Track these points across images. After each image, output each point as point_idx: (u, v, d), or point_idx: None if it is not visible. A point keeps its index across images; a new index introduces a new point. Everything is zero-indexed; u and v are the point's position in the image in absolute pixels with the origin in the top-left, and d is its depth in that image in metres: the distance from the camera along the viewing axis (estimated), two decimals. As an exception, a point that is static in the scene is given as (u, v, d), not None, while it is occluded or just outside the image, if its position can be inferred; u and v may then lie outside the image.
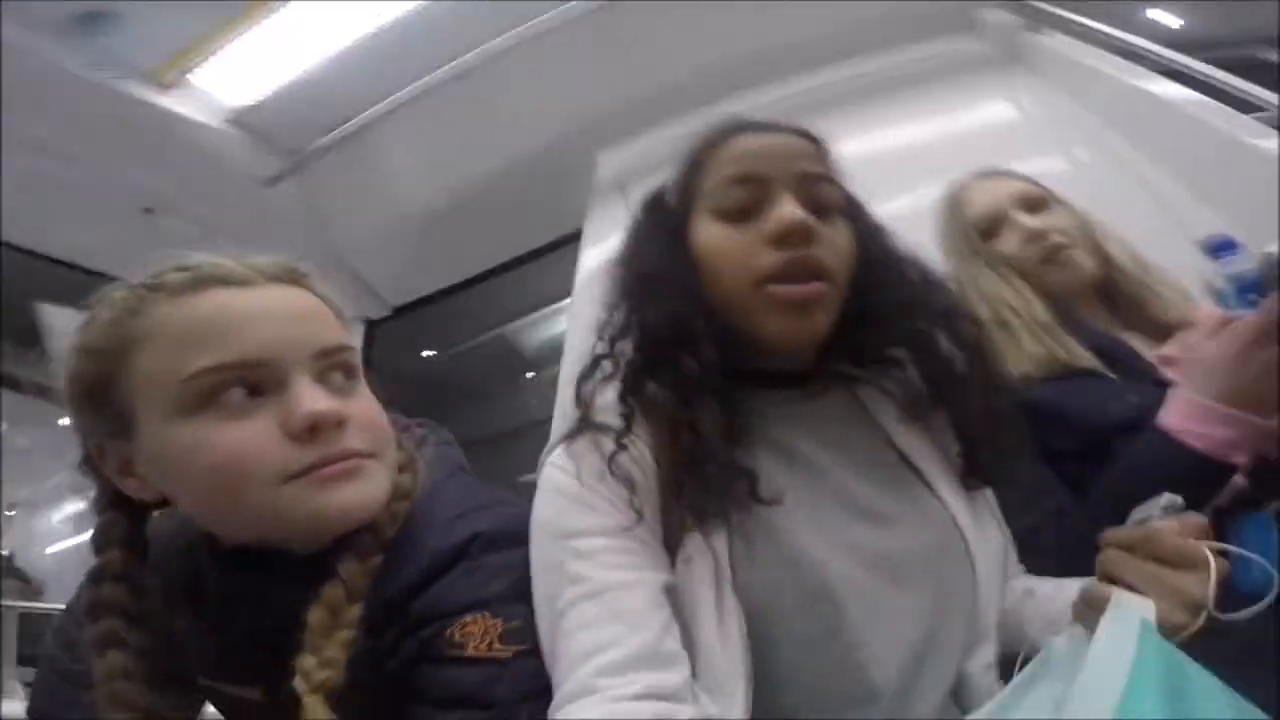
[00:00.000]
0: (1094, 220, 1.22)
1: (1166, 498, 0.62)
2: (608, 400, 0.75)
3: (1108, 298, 1.17)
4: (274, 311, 0.67)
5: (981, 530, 0.73)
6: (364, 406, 0.70)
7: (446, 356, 3.23)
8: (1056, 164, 1.72)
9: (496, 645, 0.64)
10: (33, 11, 1.75)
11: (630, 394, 0.74)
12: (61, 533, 4.45)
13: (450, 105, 2.13)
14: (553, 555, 0.66)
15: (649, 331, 0.75)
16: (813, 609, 0.66)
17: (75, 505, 4.36)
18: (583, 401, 0.76)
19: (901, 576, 0.68)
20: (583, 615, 0.62)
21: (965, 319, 0.81)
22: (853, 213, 0.81)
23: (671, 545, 0.67)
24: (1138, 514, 0.62)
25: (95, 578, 0.71)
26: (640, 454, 0.71)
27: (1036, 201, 1.19)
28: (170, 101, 2.06)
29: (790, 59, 2.12)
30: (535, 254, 2.76)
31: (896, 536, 0.70)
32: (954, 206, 1.26)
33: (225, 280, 0.66)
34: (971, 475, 0.75)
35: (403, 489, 0.73)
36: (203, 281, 0.65)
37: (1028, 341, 1.07)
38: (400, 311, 2.88)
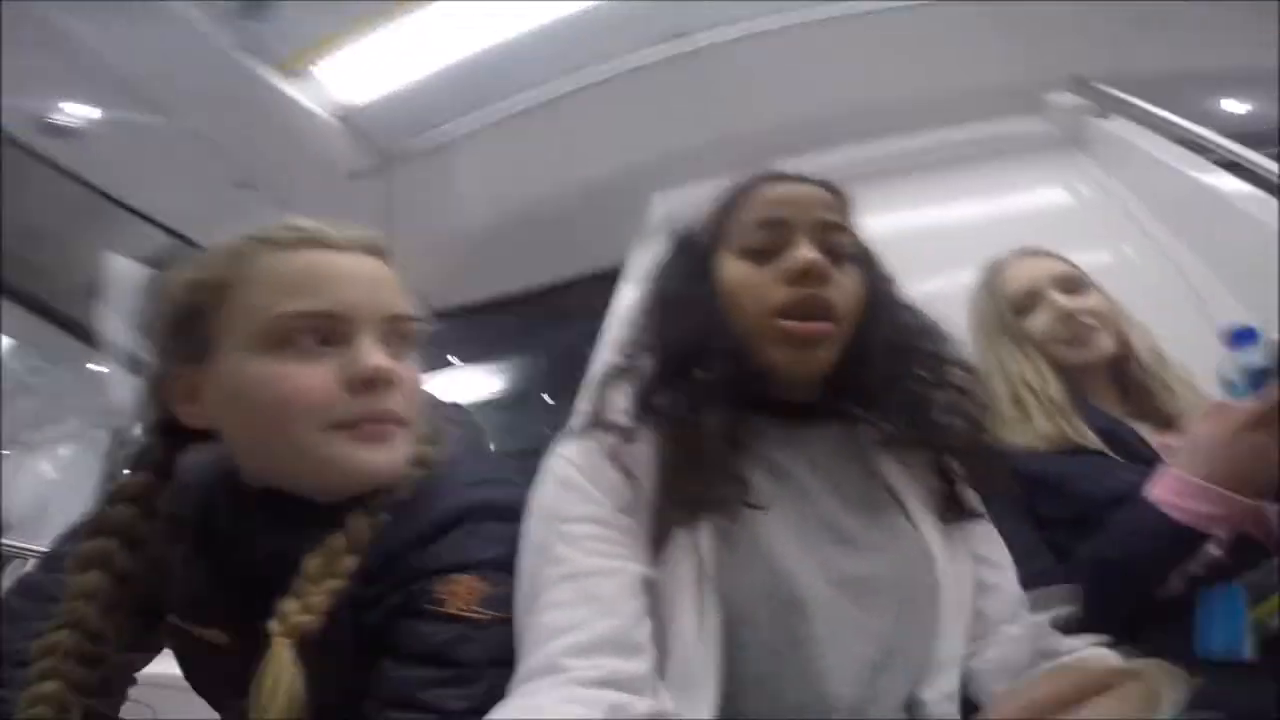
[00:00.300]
0: (1122, 308, 1.25)
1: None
2: (620, 405, 0.82)
3: (1120, 383, 1.22)
4: (356, 274, 0.73)
5: (955, 565, 0.77)
6: (411, 373, 0.76)
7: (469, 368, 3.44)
8: (1103, 256, 1.67)
9: (476, 607, 0.68)
10: None
11: (642, 397, 0.80)
12: (47, 477, 4.54)
13: (524, 131, 2.32)
14: (541, 536, 0.71)
15: (669, 346, 0.82)
16: (782, 618, 0.70)
17: (67, 450, 4.52)
18: (597, 402, 0.82)
19: (866, 597, 0.72)
20: (558, 595, 0.66)
21: (956, 367, 0.87)
22: (865, 262, 0.88)
23: (659, 544, 0.72)
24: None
25: (112, 497, 0.77)
26: (644, 453, 0.76)
27: (1073, 283, 1.24)
28: (290, 88, 2.29)
29: (856, 125, 2.14)
30: (574, 283, 2.86)
31: (867, 561, 0.74)
32: (992, 281, 1.32)
33: (323, 242, 0.74)
34: (949, 510, 0.81)
35: (425, 457, 0.78)
36: (305, 241, 0.74)
37: (1039, 419, 1.14)
38: (439, 316, 3.02)
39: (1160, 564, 0.92)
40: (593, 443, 0.77)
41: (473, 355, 3.39)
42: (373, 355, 0.70)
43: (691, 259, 0.89)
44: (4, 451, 4.36)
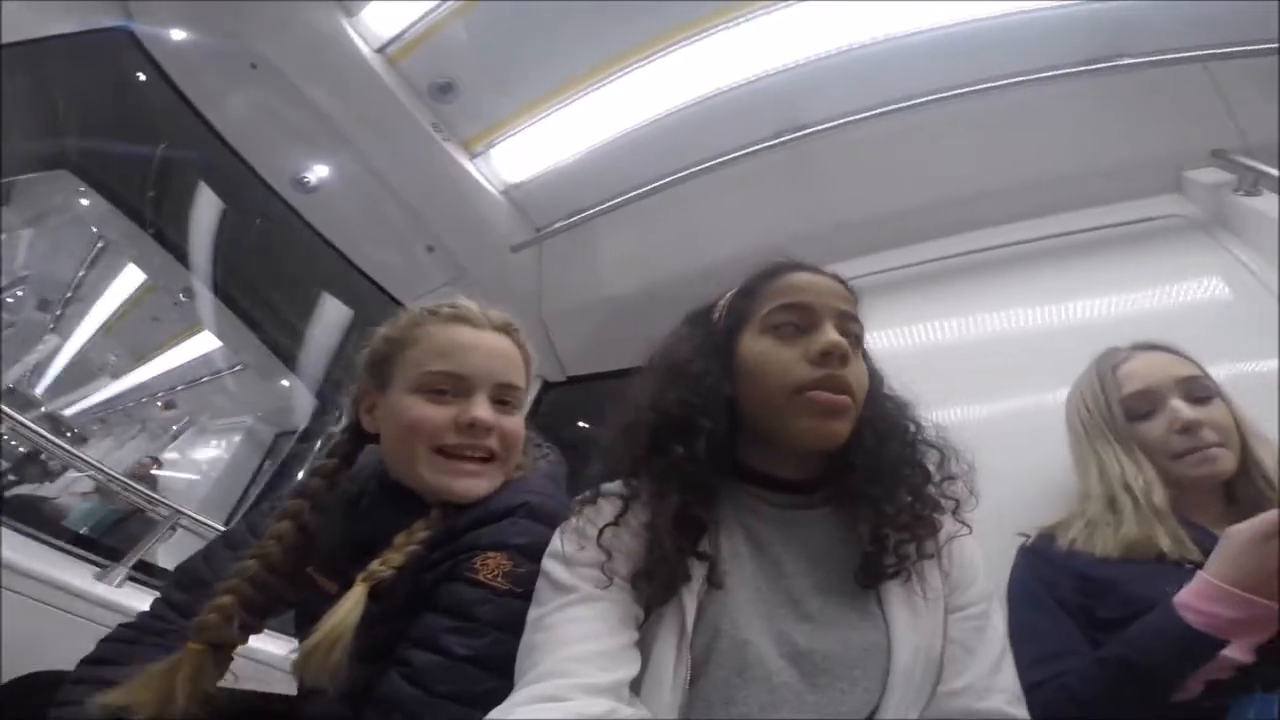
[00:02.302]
0: (1247, 418, 1.18)
1: None
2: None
3: (1231, 496, 1.16)
4: (484, 349, 1.04)
5: (915, 645, 0.80)
6: (512, 424, 1.04)
7: (595, 431, 3.54)
8: (1263, 365, 1.46)
9: (500, 579, 0.89)
10: (411, 72, 2.44)
11: (631, 475, 0.92)
12: (207, 466, 5.17)
13: (660, 211, 2.50)
14: (559, 573, 0.83)
15: (660, 412, 0.91)
16: (726, 679, 0.78)
17: (236, 448, 5.19)
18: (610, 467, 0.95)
19: (813, 672, 0.78)
20: (574, 612, 0.79)
21: (935, 451, 0.93)
22: (865, 355, 0.97)
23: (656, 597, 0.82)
24: None
25: (313, 472, 1.09)
26: (639, 522, 0.87)
27: (1197, 388, 1.18)
28: (471, 166, 2.69)
29: (983, 211, 2.12)
30: None
31: (823, 639, 0.80)
32: (1104, 375, 1.27)
33: (469, 321, 1.06)
34: (864, 571, 0.85)
35: (509, 476, 1.05)
36: (457, 319, 1.06)
37: (1130, 525, 1.10)
38: (572, 380, 3.28)
39: (1174, 667, 0.91)
40: (607, 507, 0.89)
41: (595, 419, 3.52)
42: (478, 408, 1.00)
43: (705, 334, 0.98)
44: (177, 429, 5.19)
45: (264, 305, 4.27)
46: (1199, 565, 0.99)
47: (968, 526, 0.91)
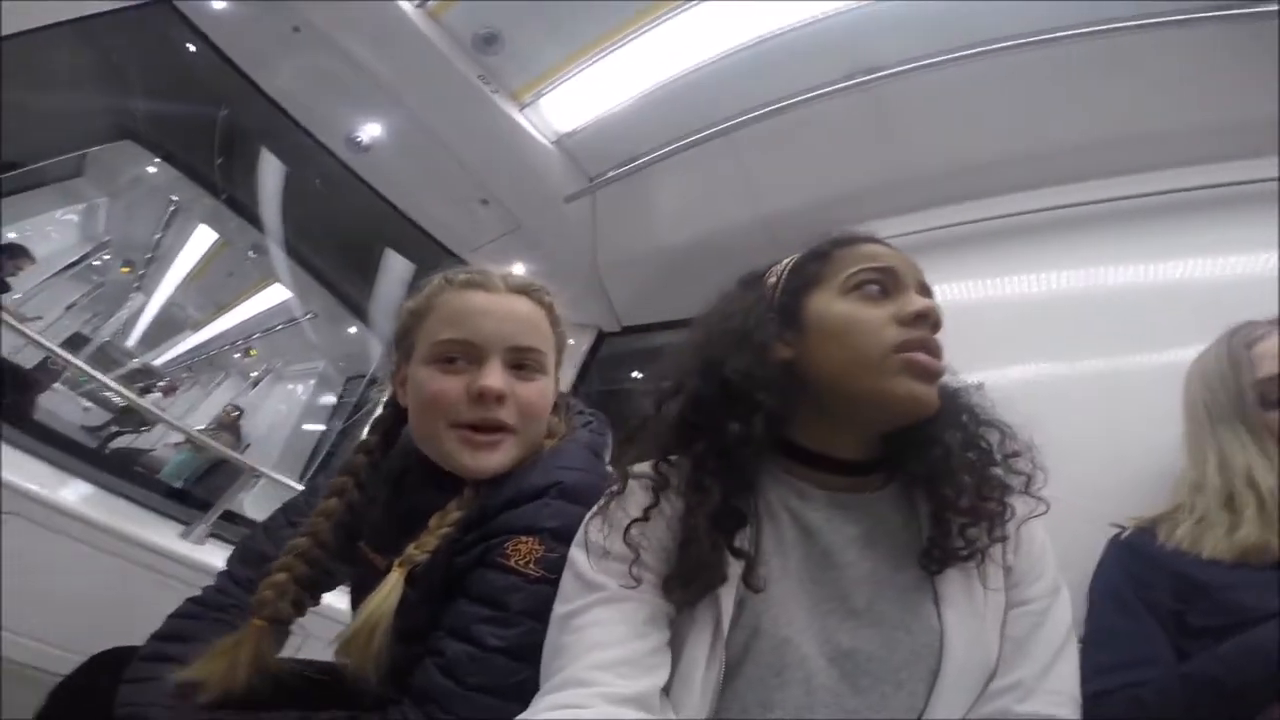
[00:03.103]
0: None
1: None
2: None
3: None
4: (496, 313, 0.99)
5: (969, 648, 0.75)
6: (531, 391, 0.99)
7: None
8: None
9: (532, 566, 0.85)
10: (453, 25, 2.39)
11: (665, 458, 0.85)
12: (285, 411, 5.43)
13: (715, 161, 2.41)
14: (584, 564, 0.79)
15: (711, 384, 0.84)
16: (763, 679, 0.74)
17: (310, 393, 5.40)
18: (644, 447, 0.88)
19: (856, 673, 0.73)
20: (600, 614, 0.74)
21: (1002, 433, 0.86)
22: None
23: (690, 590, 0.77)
24: None
25: (357, 449, 1.09)
26: (673, 511, 0.82)
27: None
28: (521, 118, 2.63)
29: (1070, 165, 1.95)
30: None
31: (869, 639, 0.75)
32: (1236, 356, 1.15)
33: (483, 286, 1.01)
34: (929, 556, 0.79)
35: (539, 447, 1.01)
36: (471, 284, 1.02)
37: (1250, 526, 1.02)
38: (627, 330, 3.30)
39: (1266, 691, 0.86)
40: (639, 495, 0.83)
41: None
42: (490, 376, 0.95)
43: (763, 299, 0.90)
44: (256, 375, 5.48)
45: (329, 259, 4.39)
46: None
47: (1044, 503, 0.83)
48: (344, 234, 4.08)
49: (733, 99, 2.28)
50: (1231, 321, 1.20)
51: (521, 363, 0.99)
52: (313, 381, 5.26)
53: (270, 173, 3.76)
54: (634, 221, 2.89)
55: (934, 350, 0.81)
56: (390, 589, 0.87)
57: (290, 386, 5.56)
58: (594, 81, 2.45)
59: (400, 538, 0.94)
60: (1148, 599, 1.03)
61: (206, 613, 1.03)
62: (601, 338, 3.34)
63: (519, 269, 3.42)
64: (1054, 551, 0.85)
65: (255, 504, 2.94)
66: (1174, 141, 1.82)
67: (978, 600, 0.77)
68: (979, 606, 0.77)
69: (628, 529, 0.79)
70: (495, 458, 0.95)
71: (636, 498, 0.82)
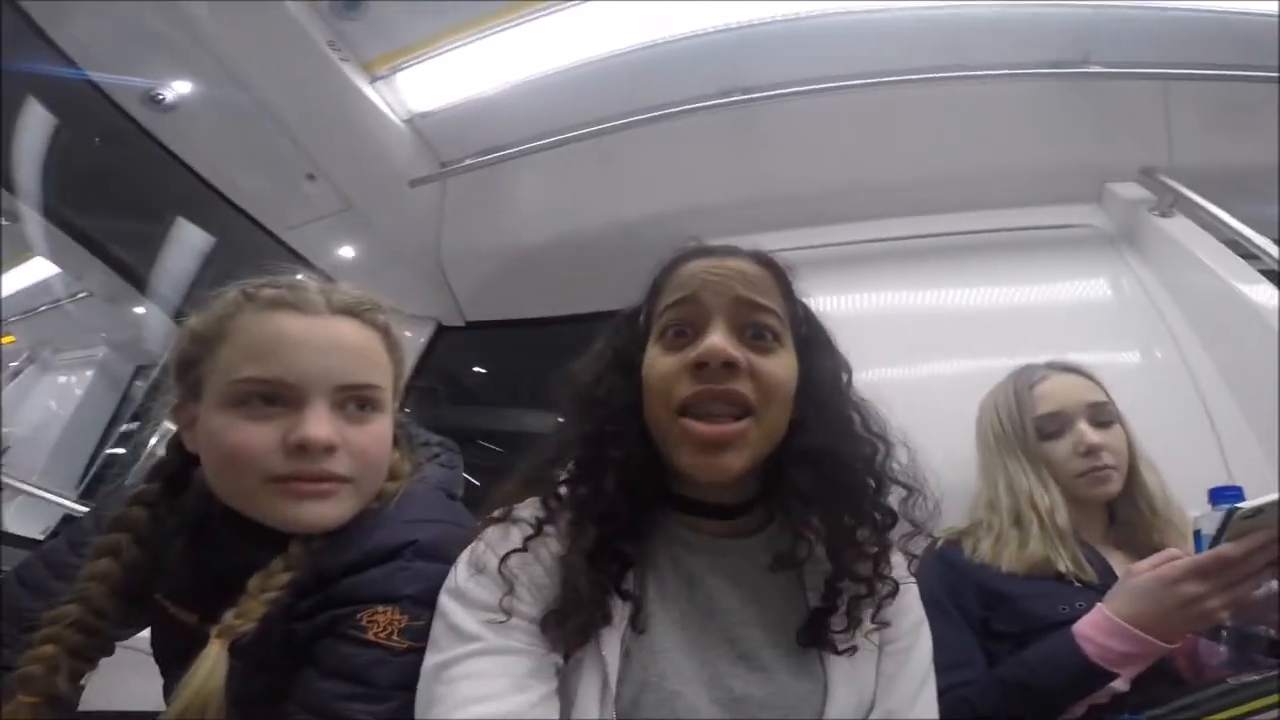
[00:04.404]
0: (1137, 443, 1.27)
1: None
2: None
3: (1112, 515, 1.26)
4: (316, 343, 0.82)
5: (849, 690, 0.75)
6: (365, 436, 0.83)
7: (492, 377, 3.55)
8: (1132, 357, 1.73)
9: (395, 637, 0.75)
10: None
11: (547, 502, 0.80)
12: (54, 408, 4.62)
13: (582, 160, 2.39)
14: (458, 616, 0.72)
15: (568, 445, 0.80)
16: None
17: (88, 385, 4.56)
18: (519, 493, 0.82)
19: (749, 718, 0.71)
20: (475, 666, 0.69)
21: (894, 470, 0.81)
22: (811, 344, 0.83)
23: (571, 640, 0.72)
24: None
25: (134, 499, 0.90)
26: (552, 554, 0.76)
27: (1101, 414, 1.26)
28: (368, 89, 2.40)
29: (912, 198, 2.17)
30: (599, 316, 2.93)
31: (759, 684, 0.73)
32: (1021, 394, 1.31)
33: (297, 307, 0.84)
34: (807, 632, 0.76)
35: (385, 493, 0.88)
36: (280, 304, 0.84)
37: (1035, 543, 1.16)
38: (471, 326, 3.16)
39: (1066, 693, 1.00)
40: (516, 534, 0.77)
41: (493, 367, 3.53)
42: (311, 424, 0.78)
43: (616, 347, 0.85)
44: (16, 364, 4.55)
45: (110, 232, 3.76)
46: (1088, 585, 1.11)
47: (912, 574, 0.85)
48: (131, 203, 3.52)
49: (605, 102, 2.26)
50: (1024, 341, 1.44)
51: (355, 401, 0.84)
52: (90, 372, 4.46)
53: (31, 128, 3.14)
54: (486, 214, 2.77)
55: (721, 405, 0.73)
56: (213, 663, 0.74)
57: (62, 378, 4.69)
58: (461, 64, 2.31)
59: (211, 594, 0.81)
60: (960, 606, 1.17)
61: None
62: (441, 331, 3.17)
63: (346, 252, 3.19)
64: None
65: (22, 518, 2.45)
66: (1006, 182, 2.13)
67: (859, 649, 0.78)
68: (860, 654, 0.78)
69: (505, 558, 0.74)
70: (327, 509, 0.81)
71: (514, 535, 0.77)
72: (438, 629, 0.73)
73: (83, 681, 0.88)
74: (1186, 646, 1.03)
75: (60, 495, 2.23)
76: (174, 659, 0.80)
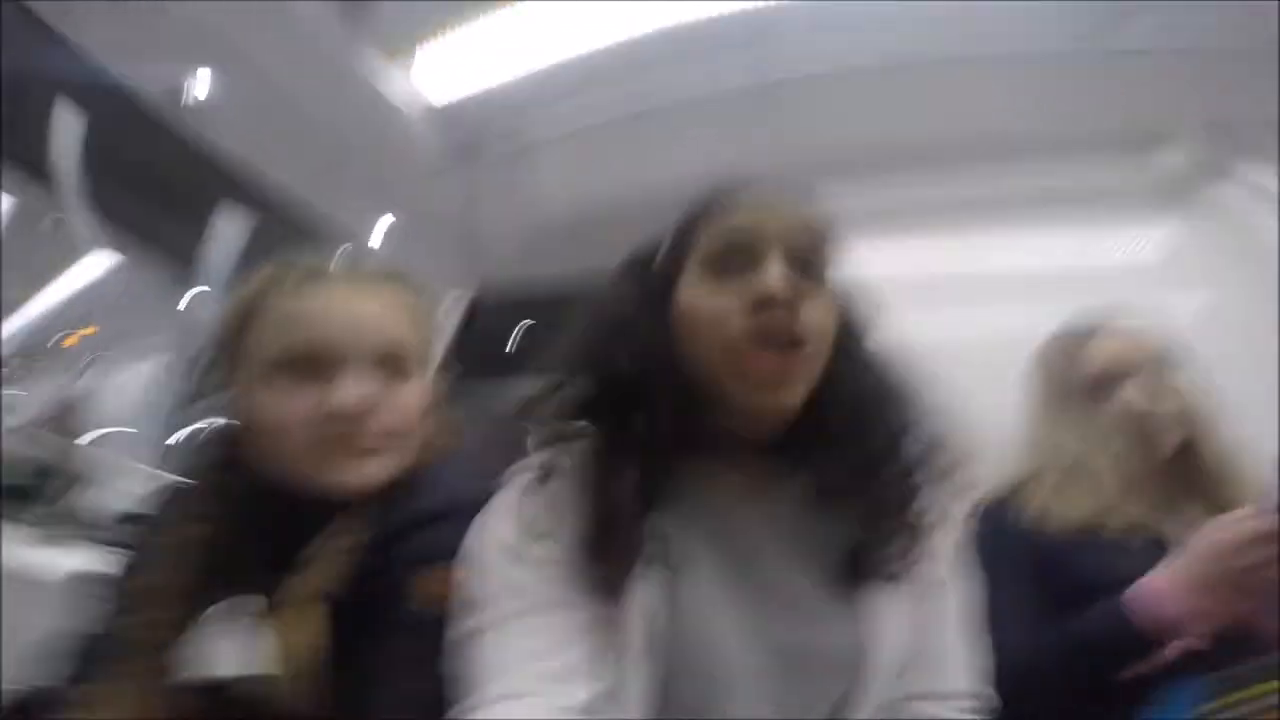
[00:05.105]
0: (1200, 395, 1.20)
1: None
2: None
3: (1182, 469, 1.17)
4: (350, 314, 0.84)
5: (892, 633, 0.72)
6: (400, 398, 0.85)
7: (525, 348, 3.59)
8: (1194, 309, 1.72)
9: (446, 599, 0.74)
10: None
11: (558, 438, 0.77)
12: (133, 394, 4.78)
13: (607, 140, 2.38)
14: (500, 567, 0.71)
15: (603, 381, 0.75)
16: (696, 685, 0.69)
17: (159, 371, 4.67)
18: (549, 436, 0.78)
19: (796, 667, 0.70)
20: (527, 623, 0.68)
21: (925, 422, 0.78)
22: (843, 297, 0.80)
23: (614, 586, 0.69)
24: None
25: (187, 516, 0.88)
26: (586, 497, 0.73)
27: (1157, 370, 1.19)
28: (389, 75, 2.40)
29: (958, 153, 2.13)
30: None
31: (802, 631, 0.71)
32: (1073, 351, 1.25)
33: (326, 280, 0.85)
34: (851, 569, 0.74)
35: (427, 457, 0.88)
36: (310, 278, 0.85)
37: (1086, 499, 1.12)
38: (505, 300, 3.20)
39: (1125, 654, 0.96)
40: (545, 482, 0.75)
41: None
42: (345, 391, 0.80)
43: (648, 278, 0.81)
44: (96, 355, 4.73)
45: (154, 223, 3.87)
46: (1149, 544, 1.06)
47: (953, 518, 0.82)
48: (168, 194, 3.59)
49: (629, 81, 2.25)
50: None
51: (390, 365, 0.85)
52: (152, 359, 4.61)
53: (66, 127, 3.20)
54: (512, 194, 2.77)
55: (785, 339, 0.70)
56: (312, 624, 0.76)
57: (137, 366, 4.86)
58: (484, 47, 2.28)
59: (269, 574, 0.81)
60: (1008, 567, 1.12)
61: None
62: (476, 304, 3.21)
63: (382, 227, 3.21)
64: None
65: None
66: (1054, 148, 2.08)
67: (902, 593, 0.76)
68: (903, 599, 0.75)
69: (526, 502, 0.73)
70: (371, 467, 0.82)
71: (544, 483, 0.75)
72: (475, 585, 0.72)
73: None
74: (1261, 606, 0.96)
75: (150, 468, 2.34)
76: None
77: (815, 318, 0.71)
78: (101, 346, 5.06)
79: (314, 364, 0.82)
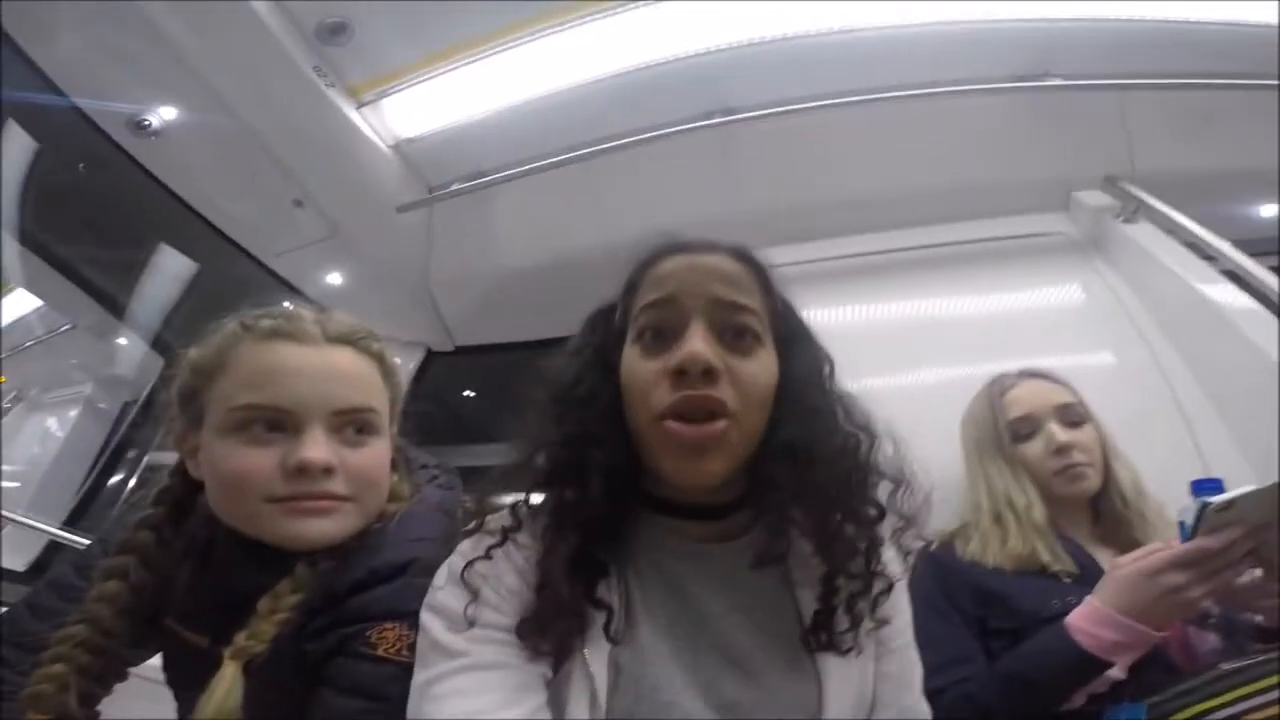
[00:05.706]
0: (1110, 441, 1.32)
1: None
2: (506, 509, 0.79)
3: (1094, 510, 1.30)
4: (315, 372, 0.85)
5: (846, 692, 0.73)
6: (363, 457, 0.86)
7: (482, 401, 3.53)
8: (1104, 358, 1.78)
9: (404, 652, 0.76)
10: (294, 11, 2.12)
11: (517, 509, 0.78)
12: (52, 434, 4.47)
13: (569, 184, 2.41)
14: (439, 632, 0.71)
15: (550, 450, 0.77)
16: None
17: (75, 413, 4.38)
18: (484, 504, 0.81)
19: None
20: (460, 683, 0.68)
21: (880, 472, 0.78)
22: (792, 342, 0.80)
23: (556, 653, 0.70)
24: None
25: (139, 524, 0.91)
26: (529, 562, 0.74)
27: (1071, 415, 1.32)
28: (356, 117, 2.42)
29: (889, 213, 2.24)
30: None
31: (753, 689, 0.71)
32: (994, 400, 1.38)
33: (294, 337, 0.86)
34: (813, 635, 0.74)
35: (386, 514, 0.89)
36: (277, 334, 0.86)
37: (1015, 540, 1.21)
38: (460, 351, 3.18)
39: (1064, 684, 1.03)
40: (494, 543, 0.76)
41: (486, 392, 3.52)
42: (309, 448, 0.81)
43: (594, 346, 0.82)
44: (7, 405, 4.41)
45: (91, 257, 3.72)
46: (1075, 578, 1.15)
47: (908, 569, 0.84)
48: (114, 230, 3.49)
49: (590, 126, 2.31)
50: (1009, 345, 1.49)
51: (352, 425, 0.86)
52: (74, 411, 4.34)
53: (12, 151, 3.11)
54: (473, 239, 2.79)
55: (705, 410, 0.71)
56: (230, 685, 0.75)
57: (48, 419, 4.54)
58: (447, 89, 2.34)
59: (220, 616, 0.82)
60: (957, 605, 1.20)
61: None
62: (430, 356, 3.18)
63: (334, 278, 3.19)
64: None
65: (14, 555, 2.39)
66: (977, 194, 2.22)
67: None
68: (853, 653, 0.76)
69: (467, 566, 0.73)
70: (328, 525, 0.83)
71: (487, 546, 0.76)
72: (422, 645, 0.72)
73: (98, 708, 0.89)
74: (1178, 635, 1.05)
75: (48, 525, 2.17)
76: (187, 683, 0.81)
77: (741, 386, 0.72)
78: (11, 395, 4.78)
79: (278, 420, 0.82)
